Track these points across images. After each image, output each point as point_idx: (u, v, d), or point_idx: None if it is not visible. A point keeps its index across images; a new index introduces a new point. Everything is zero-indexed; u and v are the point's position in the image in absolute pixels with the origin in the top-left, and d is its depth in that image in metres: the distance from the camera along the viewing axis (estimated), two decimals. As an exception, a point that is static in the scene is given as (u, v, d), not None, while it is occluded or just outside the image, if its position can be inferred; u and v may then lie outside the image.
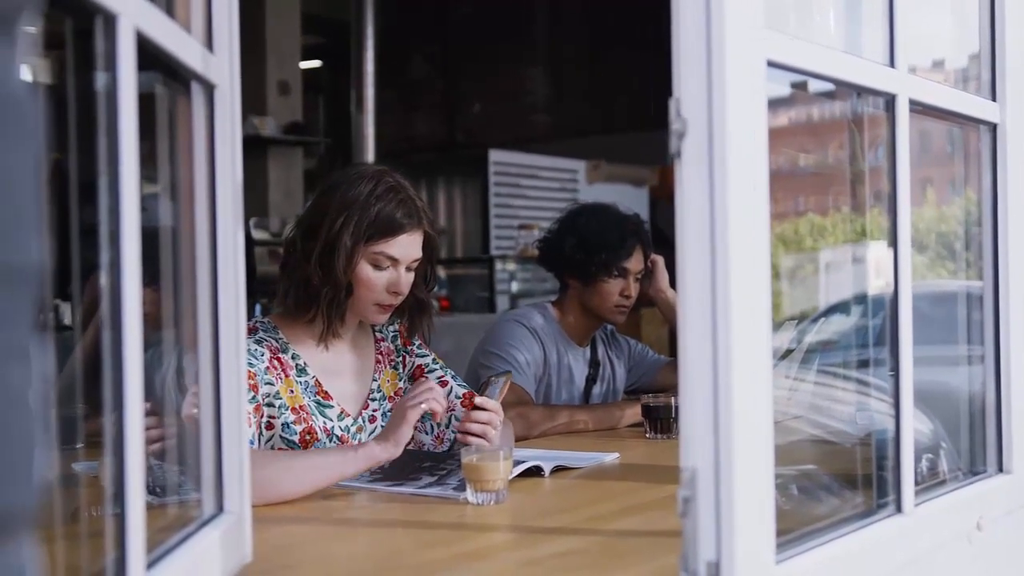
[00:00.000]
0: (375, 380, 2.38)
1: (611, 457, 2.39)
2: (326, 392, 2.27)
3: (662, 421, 2.68)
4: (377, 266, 2.22)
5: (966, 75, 2.06)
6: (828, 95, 1.75)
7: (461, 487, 1.94)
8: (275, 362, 2.20)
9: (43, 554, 0.68)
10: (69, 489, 1.51)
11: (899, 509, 1.53)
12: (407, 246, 2.24)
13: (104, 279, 1.04)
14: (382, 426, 2.32)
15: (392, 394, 2.39)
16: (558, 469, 2.22)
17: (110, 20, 1.01)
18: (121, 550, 1.02)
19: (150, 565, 1.10)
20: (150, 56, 1.13)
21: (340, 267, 2.19)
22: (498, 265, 7.73)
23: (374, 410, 2.35)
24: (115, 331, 1.02)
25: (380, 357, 2.41)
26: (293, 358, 2.25)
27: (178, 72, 1.29)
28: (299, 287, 2.23)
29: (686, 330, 1.19)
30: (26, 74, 0.60)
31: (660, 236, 4.60)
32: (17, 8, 0.58)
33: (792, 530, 1.35)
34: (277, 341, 2.24)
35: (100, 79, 1.03)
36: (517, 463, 2.07)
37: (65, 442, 1.46)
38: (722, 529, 1.18)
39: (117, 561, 1.02)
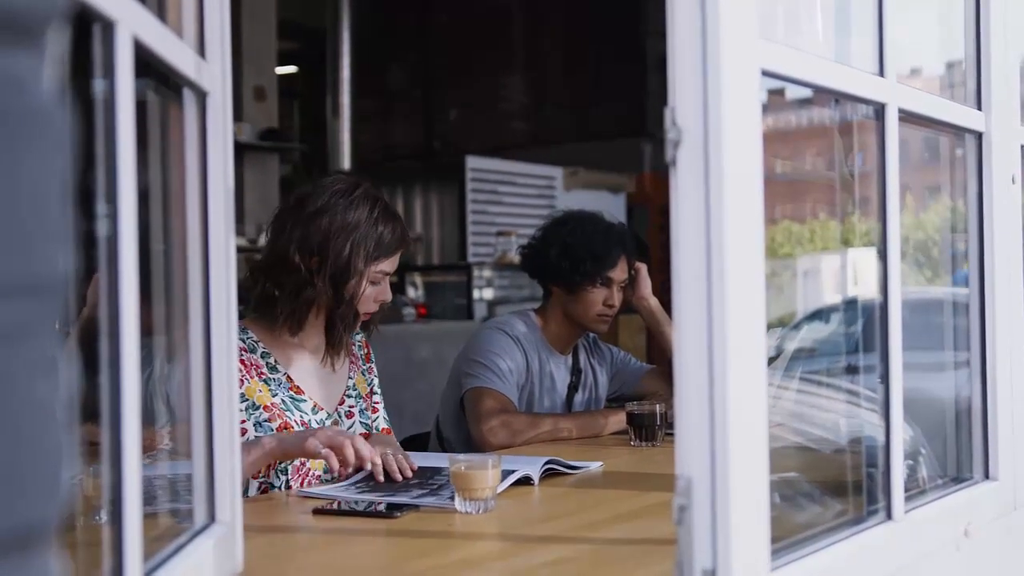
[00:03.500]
0: (350, 378, 2.47)
1: (596, 466, 2.39)
2: (298, 387, 2.33)
3: (647, 428, 2.68)
4: (374, 282, 2.34)
5: (946, 82, 2.07)
6: (804, 102, 1.76)
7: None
8: (239, 364, 2.22)
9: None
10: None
11: (889, 516, 1.54)
12: (397, 260, 2.38)
13: (99, 286, 1.03)
14: (361, 422, 2.44)
15: (365, 394, 2.49)
16: (548, 473, 2.22)
17: (108, 27, 1.00)
18: (118, 559, 1.01)
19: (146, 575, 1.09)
20: (144, 63, 1.12)
21: (352, 290, 2.29)
22: (476, 272, 7.70)
23: (351, 406, 2.44)
24: (112, 339, 1.01)
25: (353, 358, 2.50)
26: (263, 357, 2.31)
27: (170, 79, 1.28)
28: (304, 307, 2.30)
29: (681, 338, 1.20)
30: (53, 83, 0.59)
31: (637, 243, 4.61)
32: (44, 19, 0.58)
33: (785, 537, 1.35)
34: (244, 341, 2.27)
35: (97, 86, 1.02)
36: (506, 473, 2.07)
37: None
38: (718, 537, 1.18)
39: (114, 571, 1.01)
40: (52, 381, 0.59)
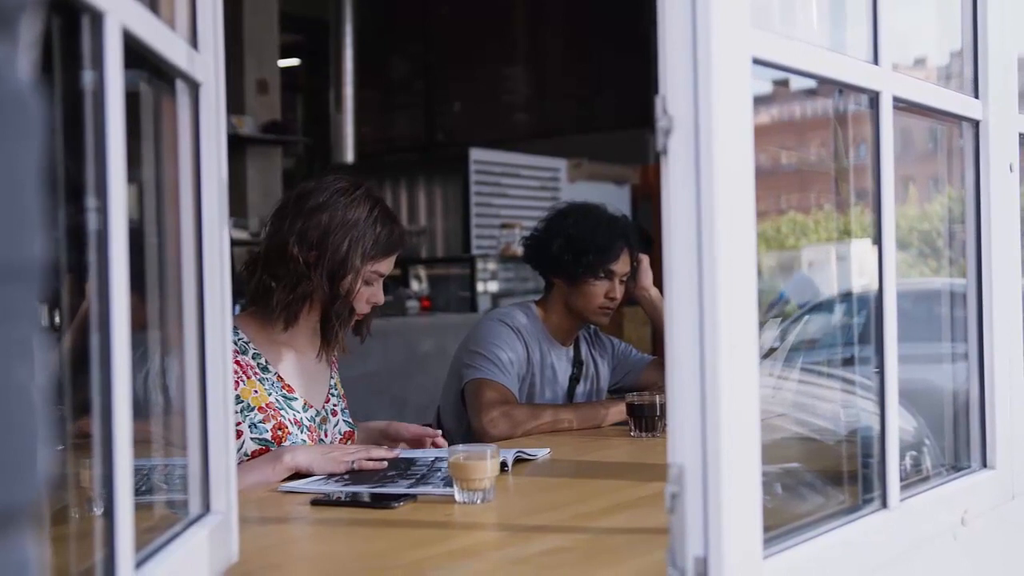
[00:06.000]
0: (332, 378, 2.51)
1: (544, 452, 2.42)
2: (289, 386, 2.36)
3: (647, 419, 2.69)
4: (367, 282, 2.36)
5: (948, 72, 2.07)
6: (810, 92, 1.76)
7: (448, 483, 1.94)
8: (234, 365, 2.23)
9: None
10: (52, 490, 1.51)
11: (884, 504, 1.54)
12: (392, 262, 2.41)
13: (91, 280, 1.03)
14: (344, 420, 2.49)
15: (342, 394, 2.54)
16: (519, 461, 2.28)
17: (97, 18, 1.00)
18: (110, 549, 1.01)
19: (138, 564, 1.09)
20: (135, 54, 1.12)
21: (347, 286, 2.32)
22: (479, 264, 7.71)
23: (334, 405, 2.49)
24: (103, 332, 1.02)
25: (333, 359, 2.54)
26: (254, 357, 2.34)
27: (163, 70, 1.29)
28: (300, 301, 2.32)
29: (673, 327, 1.20)
30: (28, 71, 0.60)
31: (642, 235, 4.63)
32: (18, 7, 0.58)
33: (779, 526, 1.35)
34: (236, 343, 2.28)
35: (86, 77, 1.02)
36: None
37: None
38: (710, 525, 1.18)
39: (105, 560, 1.01)
40: (29, 365, 0.60)
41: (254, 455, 2.23)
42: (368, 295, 2.37)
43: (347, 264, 2.30)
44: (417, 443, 2.46)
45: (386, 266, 2.38)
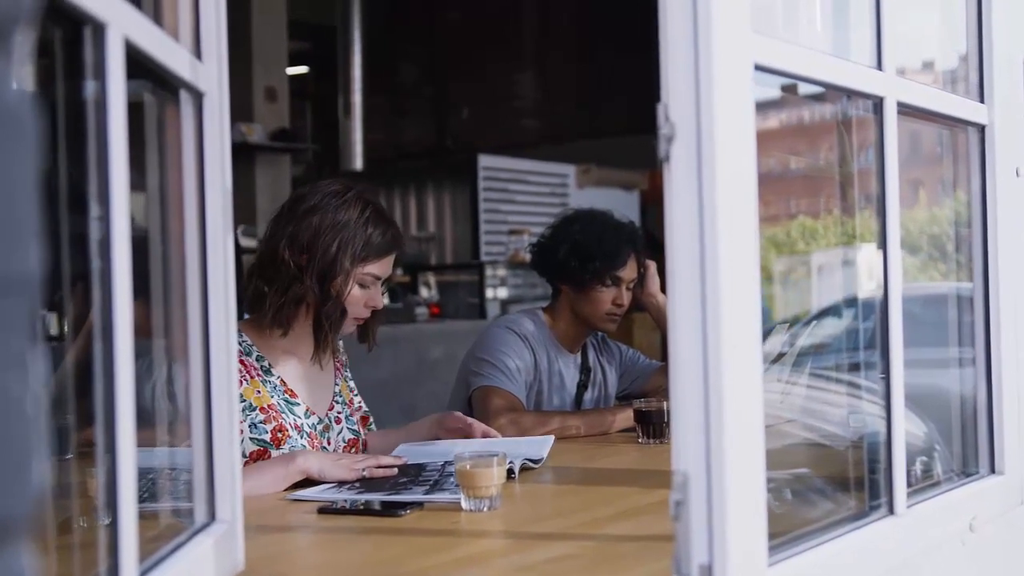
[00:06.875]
0: (336, 385, 2.50)
1: (548, 441, 2.45)
2: (292, 391, 2.37)
3: (654, 426, 2.68)
4: (362, 285, 2.35)
5: (955, 76, 2.06)
6: (818, 98, 1.76)
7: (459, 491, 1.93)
8: (238, 365, 2.25)
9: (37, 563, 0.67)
10: (59, 499, 1.51)
11: (892, 511, 1.54)
12: (389, 265, 2.39)
13: (94, 289, 1.03)
14: (348, 428, 2.48)
15: (348, 401, 2.52)
16: (525, 469, 2.27)
17: (99, 29, 1.00)
18: (114, 558, 1.02)
19: (143, 574, 1.09)
20: (138, 64, 1.12)
21: (337, 288, 2.31)
22: (488, 271, 7.71)
23: (338, 412, 2.48)
24: (106, 341, 1.02)
25: (338, 365, 2.54)
26: (258, 360, 2.35)
27: (166, 80, 1.29)
28: (292, 304, 2.32)
29: (677, 333, 1.20)
30: (23, 84, 0.60)
31: (651, 240, 4.62)
32: (13, 19, 0.58)
33: (785, 533, 1.35)
34: (240, 344, 2.28)
35: (89, 87, 1.02)
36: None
37: (56, 452, 1.45)
38: (714, 532, 1.18)
39: (110, 570, 1.02)
40: (24, 377, 0.60)
41: (252, 456, 2.24)
42: (365, 299, 2.36)
43: (337, 265, 2.29)
44: (465, 434, 2.49)
45: (380, 268, 2.36)
